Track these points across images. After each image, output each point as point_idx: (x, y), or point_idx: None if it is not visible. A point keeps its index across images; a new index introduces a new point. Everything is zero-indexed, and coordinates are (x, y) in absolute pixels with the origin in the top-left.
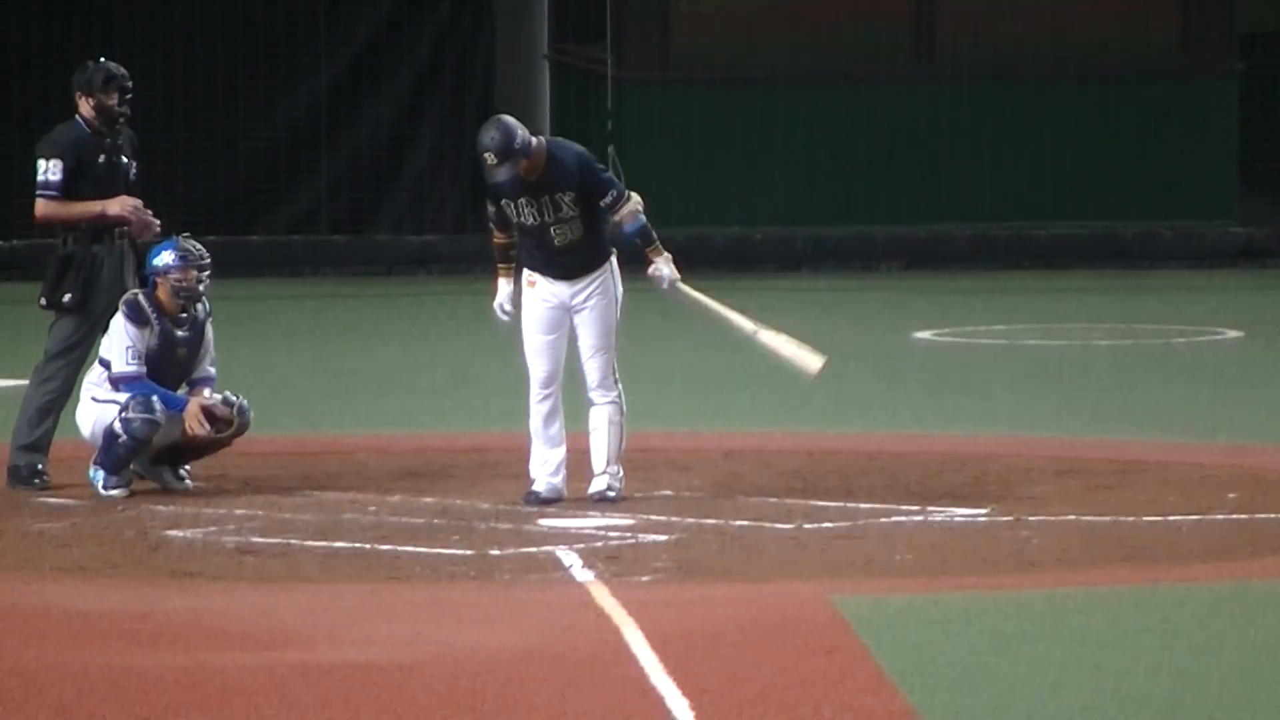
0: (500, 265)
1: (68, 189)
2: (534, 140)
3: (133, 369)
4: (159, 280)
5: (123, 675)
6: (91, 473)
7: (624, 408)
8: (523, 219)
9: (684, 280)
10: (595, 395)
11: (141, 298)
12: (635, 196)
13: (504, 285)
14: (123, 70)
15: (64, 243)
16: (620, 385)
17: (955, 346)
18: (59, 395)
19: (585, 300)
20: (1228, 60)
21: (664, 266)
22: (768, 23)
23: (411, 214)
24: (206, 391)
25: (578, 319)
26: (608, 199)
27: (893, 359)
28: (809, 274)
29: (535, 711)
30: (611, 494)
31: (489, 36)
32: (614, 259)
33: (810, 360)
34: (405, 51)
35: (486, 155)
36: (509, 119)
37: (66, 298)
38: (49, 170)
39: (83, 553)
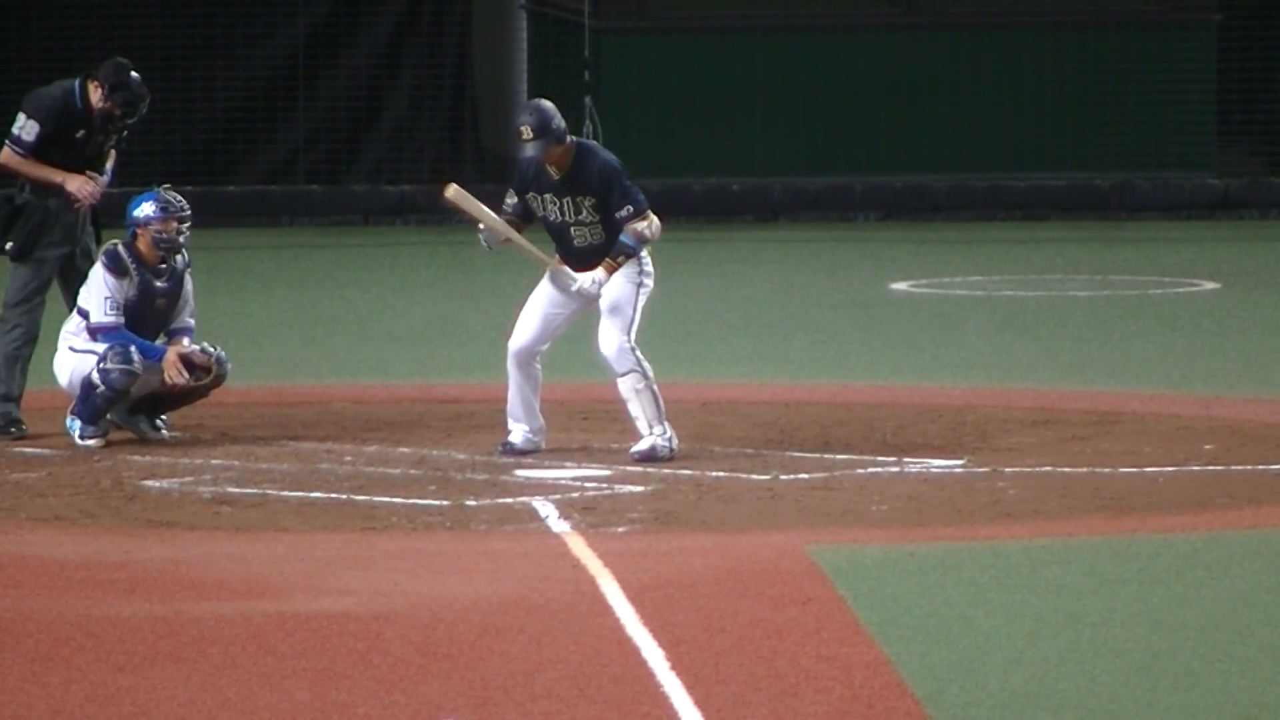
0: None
1: (38, 150)
2: (569, 136)
3: (110, 319)
4: (139, 231)
5: (99, 624)
6: (68, 422)
7: (648, 373)
8: (547, 214)
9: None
10: (615, 367)
11: (121, 248)
12: (655, 221)
13: (495, 218)
14: (146, 96)
15: (20, 190)
16: (638, 354)
17: (932, 297)
18: (23, 342)
19: (604, 281)
20: (1205, 10)
21: (591, 277)
22: None
23: (389, 164)
24: (185, 341)
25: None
26: (624, 211)
27: (870, 309)
28: (786, 224)
29: (511, 661)
30: (661, 454)
31: None
32: (645, 252)
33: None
34: (383, 0)
35: (524, 128)
36: (549, 103)
37: (9, 246)
38: (24, 129)
39: (59, 502)
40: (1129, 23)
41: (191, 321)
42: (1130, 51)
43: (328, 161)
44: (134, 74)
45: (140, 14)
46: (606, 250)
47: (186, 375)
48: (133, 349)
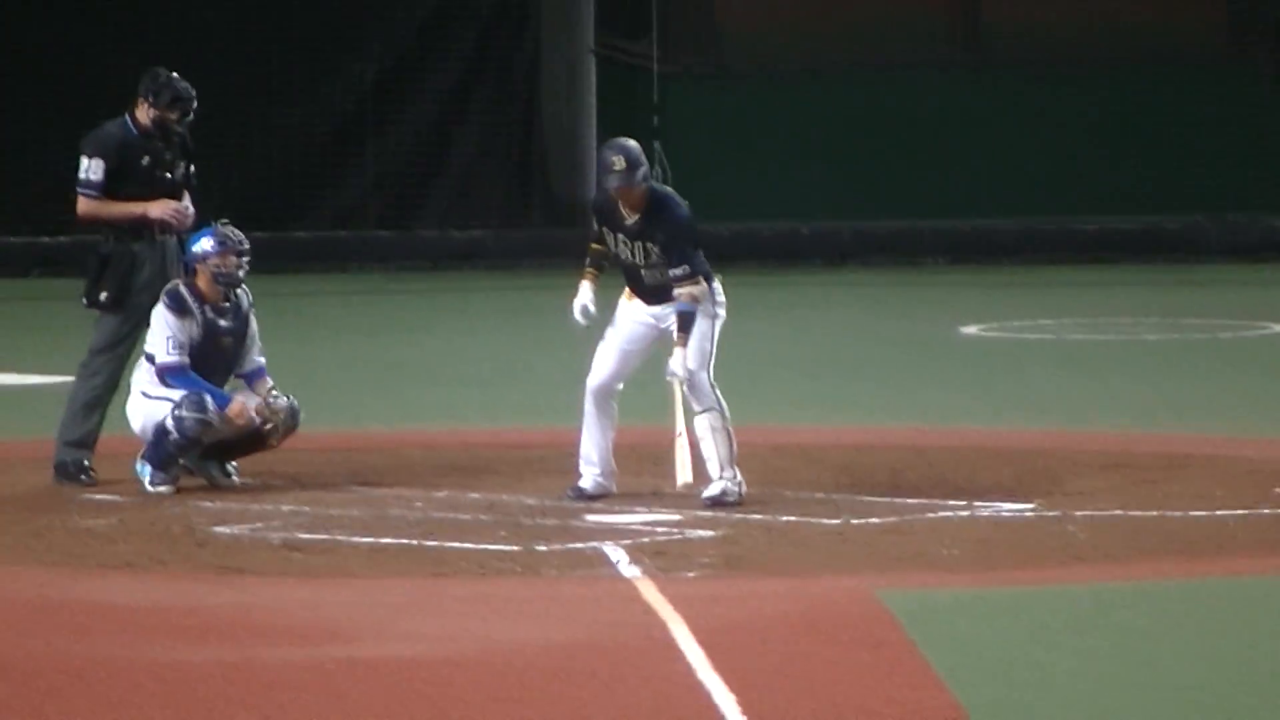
0: (588, 269)
1: (109, 188)
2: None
3: (174, 359)
4: (198, 267)
5: (170, 670)
6: (139, 468)
7: (725, 412)
8: (619, 251)
9: (726, 278)
10: (693, 405)
11: (182, 287)
12: (704, 287)
13: (586, 288)
14: (191, 92)
15: (105, 240)
16: (718, 392)
17: (1001, 341)
18: (104, 391)
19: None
20: (1275, 51)
21: (679, 360)
22: (812, 15)
23: (457, 209)
24: (256, 392)
25: (672, 330)
26: (678, 270)
27: (939, 353)
28: (855, 267)
29: (582, 706)
30: (729, 498)
31: (535, 30)
32: (716, 283)
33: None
34: (452, 45)
35: (615, 158)
36: (637, 145)
37: (104, 296)
38: (90, 169)
39: (130, 548)
40: (1198, 64)
41: (261, 360)
42: (1199, 93)
43: (396, 207)
44: (173, 74)
45: (209, 59)
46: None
47: (255, 419)
48: (208, 397)
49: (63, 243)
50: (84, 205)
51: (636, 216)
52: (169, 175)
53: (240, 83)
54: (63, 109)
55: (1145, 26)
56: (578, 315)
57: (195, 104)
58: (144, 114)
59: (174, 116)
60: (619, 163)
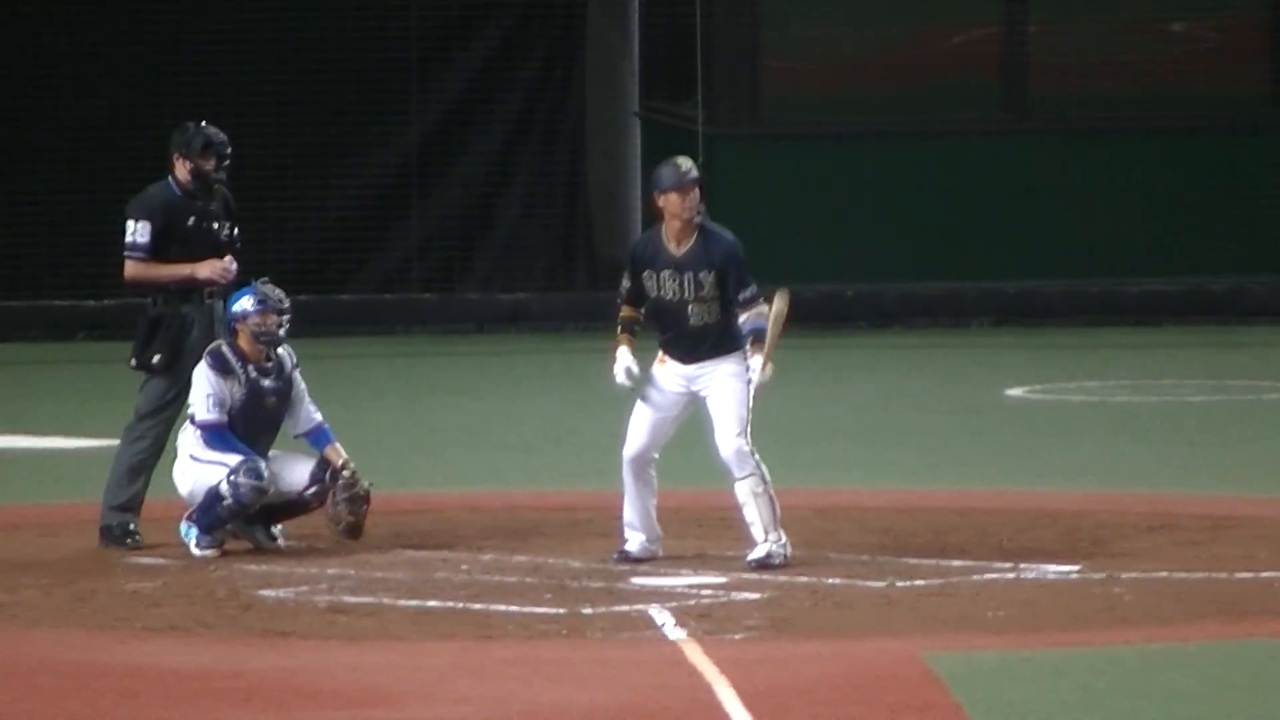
0: (622, 335)
1: (156, 250)
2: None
3: (213, 416)
4: (238, 327)
5: None
6: (184, 530)
7: (766, 476)
8: (663, 292)
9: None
10: (734, 470)
11: (225, 347)
12: (765, 306)
13: (625, 351)
14: (222, 137)
15: (153, 304)
16: (757, 457)
17: (1046, 403)
18: (149, 455)
19: (711, 378)
20: None
21: (760, 367)
22: (857, 77)
23: (502, 271)
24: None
25: (706, 395)
26: (745, 293)
27: (984, 415)
28: (900, 330)
29: None
30: (775, 560)
31: (579, 93)
32: (748, 350)
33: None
34: (496, 108)
35: (683, 160)
36: None
37: (155, 359)
38: (137, 232)
39: (175, 611)
40: (1240, 126)
41: (318, 416)
42: (1242, 155)
43: (441, 269)
44: (202, 124)
45: (252, 122)
46: (719, 331)
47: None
48: (262, 464)
49: (109, 305)
50: (131, 269)
51: (688, 245)
52: (214, 234)
53: (285, 148)
54: (108, 173)
55: (1191, 93)
56: (622, 378)
57: (229, 149)
58: (182, 170)
59: (210, 165)
60: (686, 162)
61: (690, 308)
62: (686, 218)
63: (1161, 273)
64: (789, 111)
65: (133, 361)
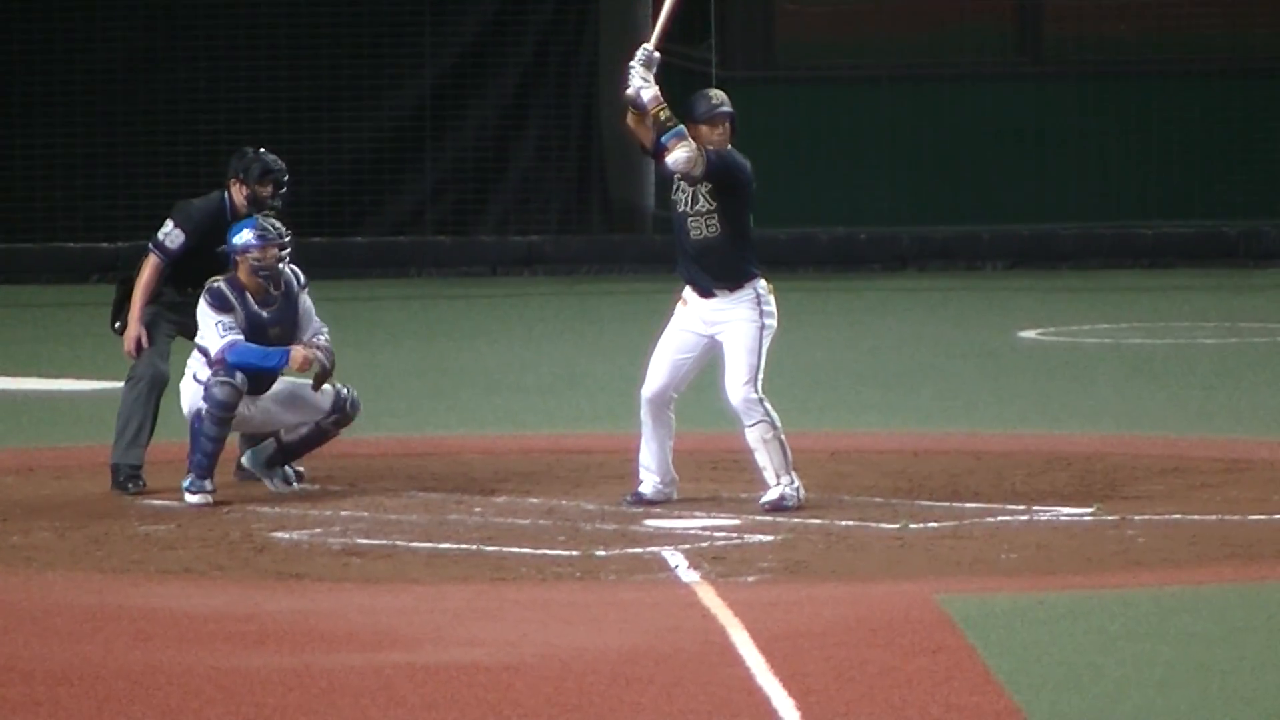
0: None
1: (180, 260)
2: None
3: (230, 337)
4: (238, 260)
5: (228, 676)
6: (184, 484)
7: (776, 422)
8: (677, 203)
9: (784, 283)
10: (742, 418)
11: (222, 283)
12: (691, 155)
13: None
14: (281, 165)
15: (136, 272)
16: (766, 405)
17: (1060, 345)
18: (148, 391)
19: (725, 322)
20: None
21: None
22: (871, 21)
23: (516, 214)
24: (321, 338)
25: (721, 340)
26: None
27: (998, 358)
28: (914, 273)
29: (641, 712)
30: (788, 503)
31: (593, 36)
32: (762, 285)
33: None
34: (510, 51)
35: (716, 92)
36: None
37: (118, 325)
38: (170, 236)
39: (188, 554)
40: (1255, 70)
41: (325, 334)
42: (1257, 98)
43: (455, 212)
44: (260, 150)
45: (267, 67)
46: (722, 251)
47: (326, 362)
48: (238, 373)
49: (122, 248)
50: (149, 264)
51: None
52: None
53: (300, 91)
54: (122, 116)
55: (1206, 36)
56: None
57: (286, 175)
58: (239, 194)
59: (267, 191)
60: (719, 96)
61: (689, 221)
62: (711, 148)
63: (1176, 215)
64: (803, 55)
65: (116, 325)
